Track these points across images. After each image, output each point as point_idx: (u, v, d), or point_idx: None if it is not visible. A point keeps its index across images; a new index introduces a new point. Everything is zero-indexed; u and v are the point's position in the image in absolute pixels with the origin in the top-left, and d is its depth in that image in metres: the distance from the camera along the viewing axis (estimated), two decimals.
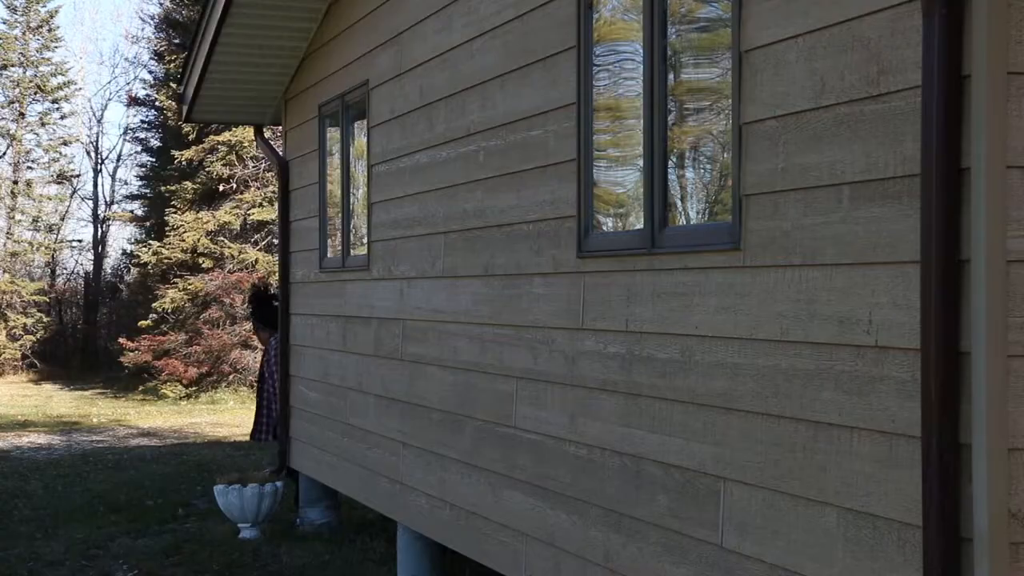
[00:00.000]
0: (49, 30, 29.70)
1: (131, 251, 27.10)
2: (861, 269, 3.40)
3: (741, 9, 3.89)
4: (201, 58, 8.98)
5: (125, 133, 32.16)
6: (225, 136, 20.58)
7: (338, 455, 8.10)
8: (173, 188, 22.25)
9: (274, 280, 18.75)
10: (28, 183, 30.19)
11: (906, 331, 3.22)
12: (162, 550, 8.18)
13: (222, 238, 21.11)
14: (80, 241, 32.50)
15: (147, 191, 26.17)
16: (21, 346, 26.99)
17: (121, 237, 32.92)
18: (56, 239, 30.53)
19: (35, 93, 29.50)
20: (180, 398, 20.66)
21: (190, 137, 21.39)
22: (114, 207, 31.81)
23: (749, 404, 3.88)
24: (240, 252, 20.77)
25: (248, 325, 20.19)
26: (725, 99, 4.04)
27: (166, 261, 21.59)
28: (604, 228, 4.91)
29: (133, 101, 28.12)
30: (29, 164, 30.32)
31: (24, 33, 29.29)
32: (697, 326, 4.13)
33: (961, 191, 3.02)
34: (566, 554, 5.00)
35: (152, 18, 27.07)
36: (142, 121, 27.23)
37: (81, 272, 31.72)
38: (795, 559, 3.67)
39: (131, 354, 21.66)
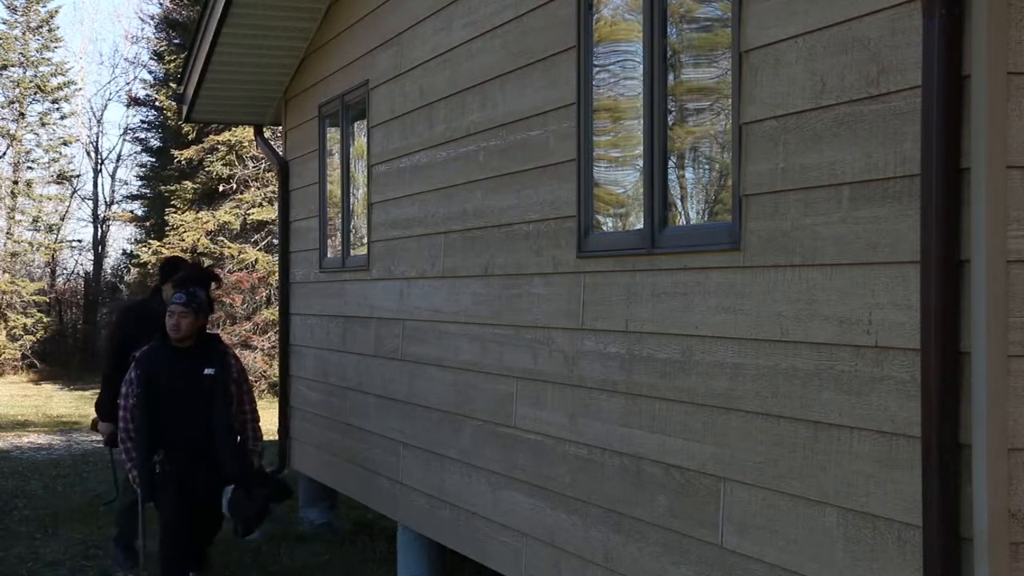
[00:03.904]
0: (49, 30, 29.67)
1: (131, 251, 27.10)
2: (861, 269, 3.40)
3: (741, 9, 3.89)
4: (201, 58, 8.98)
5: (125, 133, 32.14)
6: (225, 136, 20.55)
7: (338, 455, 8.10)
8: (173, 188, 22.23)
9: (274, 280, 18.78)
10: (28, 183, 30.15)
11: (906, 331, 3.22)
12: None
13: (222, 238, 21.09)
14: (80, 241, 32.47)
15: (147, 191, 26.15)
16: (21, 346, 26.97)
17: (121, 237, 32.93)
18: (56, 239, 30.50)
19: (35, 93, 29.47)
20: None
21: (190, 137, 21.37)
22: (114, 207, 31.79)
23: (749, 404, 3.88)
24: (240, 252, 20.76)
25: (248, 324, 20.18)
26: (725, 99, 4.04)
27: None
28: (604, 228, 4.91)
29: (133, 101, 28.11)
30: (29, 164, 30.28)
31: (24, 33, 29.26)
32: (697, 326, 4.13)
33: (961, 191, 3.02)
34: (566, 554, 5.00)
35: (152, 18, 27.06)
36: (142, 121, 27.20)
37: (81, 272, 31.70)
38: (795, 559, 3.67)
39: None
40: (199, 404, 6.25)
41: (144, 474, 6.19)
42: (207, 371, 6.30)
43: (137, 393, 6.26)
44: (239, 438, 6.42)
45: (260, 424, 6.60)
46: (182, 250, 21.01)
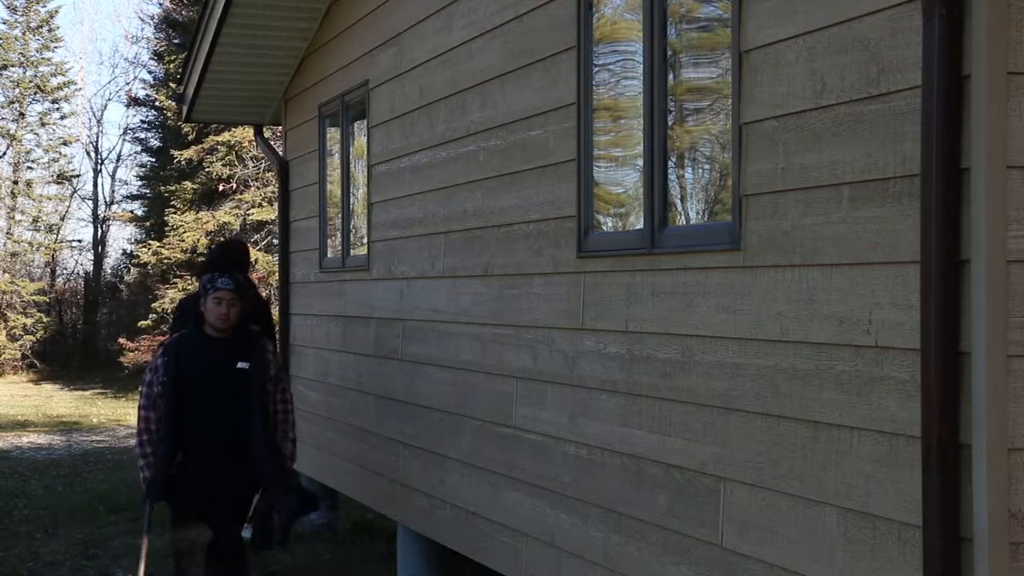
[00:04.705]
0: (49, 30, 29.69)
1: (131, 251, 27.11)
2: (861, 269, 3.40)
3: (741, 9, 3.89)
4: (201, 58, 8.98)
5: (125, 133, 32.18)
6: (225, 136, 20.56)
7: (338, 455, 8.10)
8: (173, 188, 22.24)
9: (274, 280, 18.77)
10: (28, 183, 30.18)
11: (906, 331, 3.22)
12: (162, 550, 8.18)
13: (222, 238, 21.09)
14: (80, 241, 32.54)
15: (147, 191, 26.16)
16: (21, 346, 26.99)
17: (121, 237, 32.97)
18: (56, 239, 30.52)
19: (35, 93, 29.49)
20: None
21: (190, 137, 21.37)
22: (114, 207, 31.82)
23: (749, 404, 3.88)
24: None
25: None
26: (725, 99, 4.04)
27: (166, 261, 21.59)
28: (604, 228, 4.90)
29: (133, 101, 28.13)
30: (29, 164, 30.31)
31: (24, 33, 29.28)
32: (697, 326, 4.13)
33: (961, 191, 3.02)
34: (566, 554, 5.00)
35: (152, 18, 27.10)
36: (142, 121, 27.23)
37: (81, 272, 31.74)
38: (795, 559, 3.67)
39: (131, 354, 21.67)
40: (231, 399, 5.69)
41: (159, 472, 5.65)
42: (241, 365, 5.74)
43: (163, 382, 5.68)
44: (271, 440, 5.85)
45: (295, 427, 6.09)
46: (182, 250, 21.03)
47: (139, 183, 27.81)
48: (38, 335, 27.51)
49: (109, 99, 50.80)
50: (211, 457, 5.68)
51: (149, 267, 22.63)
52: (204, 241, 20.92)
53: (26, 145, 29.96)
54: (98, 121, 43.68)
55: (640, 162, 4.49)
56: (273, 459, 5.78)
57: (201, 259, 20.77)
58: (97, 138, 34.84)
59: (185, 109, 9.90)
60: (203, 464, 5.69)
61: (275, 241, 18.99)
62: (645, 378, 4.44)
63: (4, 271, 28.83)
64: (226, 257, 6.36)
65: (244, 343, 5.79)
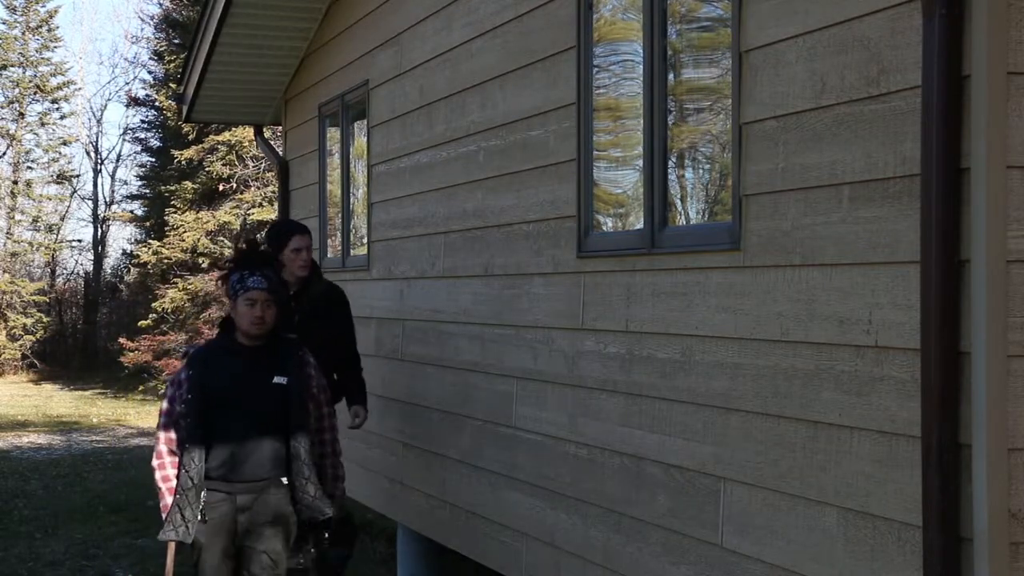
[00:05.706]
0: (49, 30, 29.71)
1: (131, 251, 27.13)
2: (861, 269, 3.40)
3: (741, 9, 3.89)
4: (201, 58, 8.98)
5: (125, 133, 32.18)
6: (225, 136, 20.56)
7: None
8: (173, 188, 22.25)
9: None
10: (28, 183, 30.20)
11: (906, 331, 3.22)
12: (162, 550, 8.17)
13: (222, 238, 21.10)
14: (80, 241, 32.55)
15: (147, 191, 26.18)
16: (21, 346, 27.00)
17: (121, 237, 32.98)
18: (56, 239, 30.53)
19: (35, 93, 29.50)
20: None
21: (190, 137, 21.37)
22: (114, 207, 31.84)
23: (749, 404, 3.88)
24: None
25: None
26: (725, 99, 4.04)
27: (166, 261, 21.59)
28: (604, 228, 4.90)
29: (133, 101, 28.14)
30: (29, 164, 30.33)
31: (24, 33, 29.29)
32: (697, 326, 4.13)
33: (961, 191, 3.02)
34: (566, 554, 5.00)
35: (152, 18, 27.10)
36: (142, 121, 27.24)
37: (81, 272, 31.75)
38: (795, 559, 3.67)
39: (131, 354, 21.68)
40: (264, 422, 4.86)
41: (185, 506, 4.85)
42: (277, 379, 4.89)
43: (187, 399, 4.85)
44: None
45: (342, 459, 5.27)
46: (182, 250, 21.01)
47: (139, 183, 27.82)
48: (38, 335, 27.52)
49: (109, 99, 50.88)
50: (242, 487, 4.89)
51: (149, 267, 22.63)
52: (204, 241, 20.92)
53: (26, 145, 29.98)
54: (98, 121, 43.71)
55: (640, 162, 4.49)
56: (323, 495, 5.03)
57: (200, 260, 20.74)
58: (97, 138, 34.88)
59: (185, 109, 9.90)
60: (232, 496, 4.89)
61: None
62: (645, 378, 4.44)
63: (4, 271, 28.84)
64: (256, 254, 5.18)
65: (281, 353, 4.98)
